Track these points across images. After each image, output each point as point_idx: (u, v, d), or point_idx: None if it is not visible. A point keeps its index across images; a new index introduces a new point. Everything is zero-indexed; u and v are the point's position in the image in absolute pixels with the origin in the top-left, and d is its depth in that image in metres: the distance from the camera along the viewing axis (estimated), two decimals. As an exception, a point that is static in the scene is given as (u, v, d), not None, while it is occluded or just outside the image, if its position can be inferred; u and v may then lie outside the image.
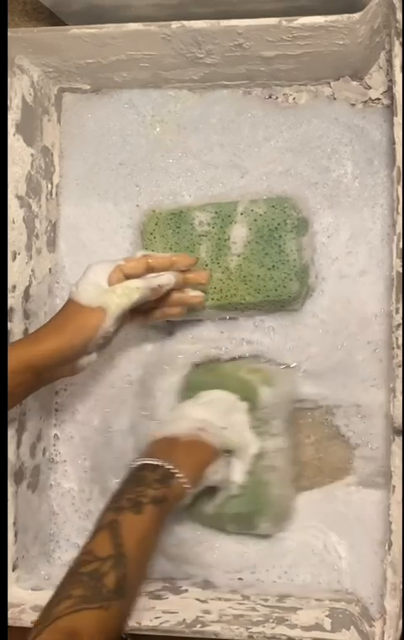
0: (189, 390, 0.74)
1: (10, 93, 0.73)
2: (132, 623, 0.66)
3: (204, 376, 0.75)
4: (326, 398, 0.75)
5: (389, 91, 0.74)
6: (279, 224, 0.71)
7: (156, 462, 0.62)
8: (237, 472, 0.70)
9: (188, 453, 0.65)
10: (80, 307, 0.63)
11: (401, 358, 0.62)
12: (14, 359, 0.60)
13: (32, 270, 0.76)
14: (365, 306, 0.73)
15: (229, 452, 0.70)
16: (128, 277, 0.65)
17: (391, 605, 0.63)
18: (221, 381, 0.73)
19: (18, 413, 0.74)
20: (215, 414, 0.70)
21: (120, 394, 0.79)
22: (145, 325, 0.77)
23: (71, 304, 0.64)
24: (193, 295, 0.71)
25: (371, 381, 0.73)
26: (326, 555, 0.73)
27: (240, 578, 0.74)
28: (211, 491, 0.70)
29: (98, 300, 0.63)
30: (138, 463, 0.62)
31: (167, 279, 0.66)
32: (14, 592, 0.70)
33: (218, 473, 0.67)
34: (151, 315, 0.70)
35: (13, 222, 0.73)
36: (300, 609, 0.67)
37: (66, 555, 0.79)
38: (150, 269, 0.65)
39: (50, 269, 0.80)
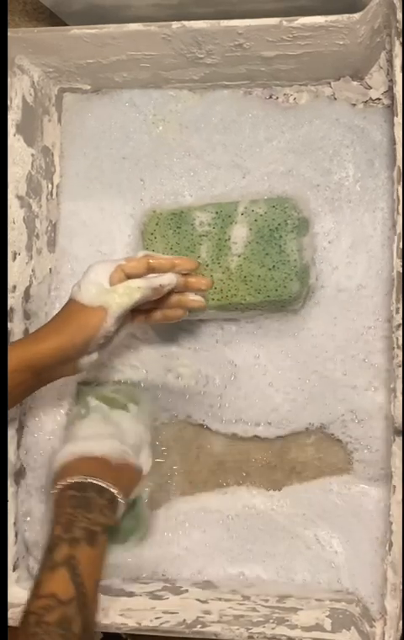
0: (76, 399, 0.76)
1: (10, 93, 0.73)
2: (132, 623, 0.66)
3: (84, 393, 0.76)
4: (312, 424, 0.75)
5: (389, 91, 0.74)
6: (279, 224, 0.71)
7: (102, 484, 0.62)
8: None
9: (121, 476, 0.65)
10: (81, 307, 0.63)
11: (401, 358, 0.62)
12: (15, 358, 0.60)
13: (32, 270, 0.76)
14: (355, 323, 0.73)
15: None
16: (129, 277, 0.65)
17: (392, 606, 0.63)
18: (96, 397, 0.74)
19: (18, 413, 0.74)
20: (121, 431, 0.70)
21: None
22: (145, 325, 0.77)
23: (72, 303, 0.64)
24: (193, 299, 0.69)
25: (366, 385, 0.73)
26: (321, 550, 0.73)
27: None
28: None
29: (100, 299, 0.63)
30: (79, 480, 0.62)
31: (168, 279, 0.65)
32: (14, 592, 0.70)
33: (138, 491, 0.69)
34: (151, 316, 0.70)
35: (14, 222, 0.73)
36: (301, 609, 0.67)
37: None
38: (151, 270, 0.65)
39: (50, 269, 0.80)
